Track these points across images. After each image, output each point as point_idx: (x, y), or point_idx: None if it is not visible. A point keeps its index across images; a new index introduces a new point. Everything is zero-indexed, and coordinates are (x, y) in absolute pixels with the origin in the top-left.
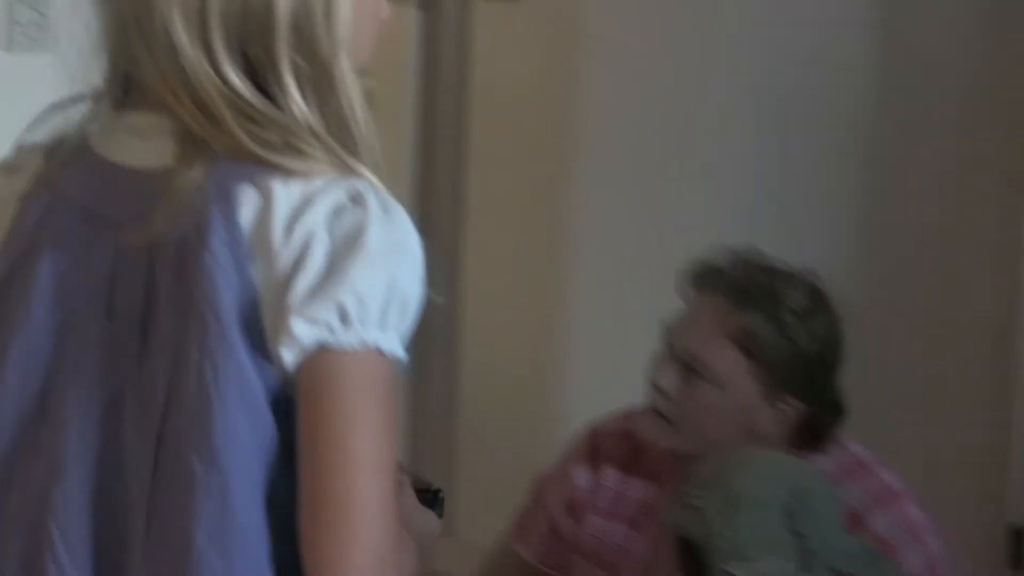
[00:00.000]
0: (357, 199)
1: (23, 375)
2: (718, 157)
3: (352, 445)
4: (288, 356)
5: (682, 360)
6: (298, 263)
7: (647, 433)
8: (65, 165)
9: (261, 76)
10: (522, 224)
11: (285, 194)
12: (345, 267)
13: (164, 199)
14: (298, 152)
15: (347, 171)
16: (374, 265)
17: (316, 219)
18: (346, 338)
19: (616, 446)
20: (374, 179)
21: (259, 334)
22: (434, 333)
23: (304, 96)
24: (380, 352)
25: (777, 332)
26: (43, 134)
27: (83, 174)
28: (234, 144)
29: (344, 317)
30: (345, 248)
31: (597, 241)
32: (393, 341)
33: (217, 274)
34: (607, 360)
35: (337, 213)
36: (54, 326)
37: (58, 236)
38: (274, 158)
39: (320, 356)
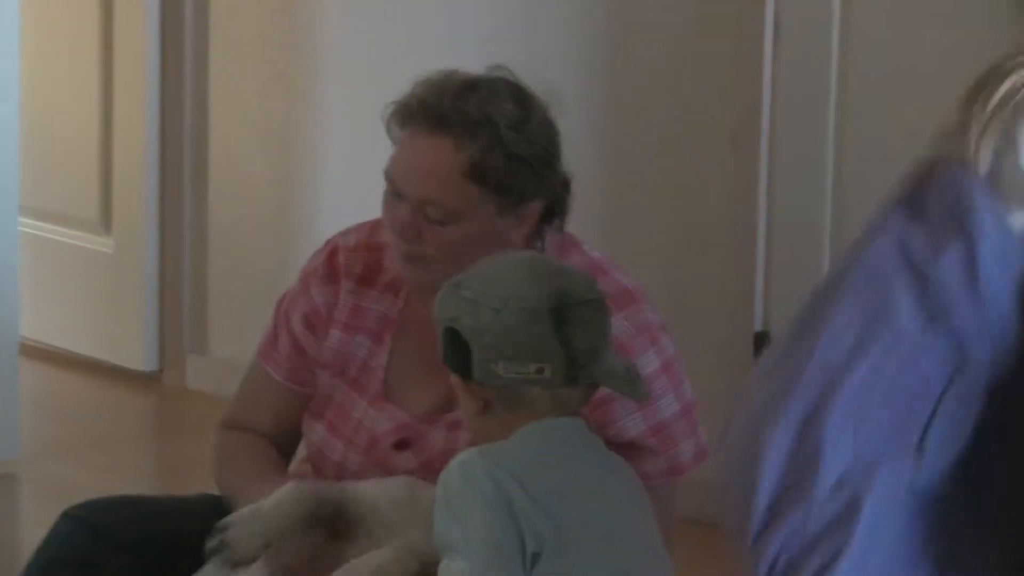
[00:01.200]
0: None
1: None
2: None
3: None
4: None
5: (420, 207)
6: None
7: (405, 273)
8: None
9: None
10: (264, 44)
11: None
12: None
13: None
14: None
15: None
16: None
17: None
18: None
19: (355, 260)
20: None
21: None
22: (183, 155)
23: None
24: None
25: (503, 154)
26: None
27: None
28: None
29: None
30: None
31: (340, 59)
32: None
33: None
34: (350, 177)
35: None
36: None
37: None
38: None
39: None
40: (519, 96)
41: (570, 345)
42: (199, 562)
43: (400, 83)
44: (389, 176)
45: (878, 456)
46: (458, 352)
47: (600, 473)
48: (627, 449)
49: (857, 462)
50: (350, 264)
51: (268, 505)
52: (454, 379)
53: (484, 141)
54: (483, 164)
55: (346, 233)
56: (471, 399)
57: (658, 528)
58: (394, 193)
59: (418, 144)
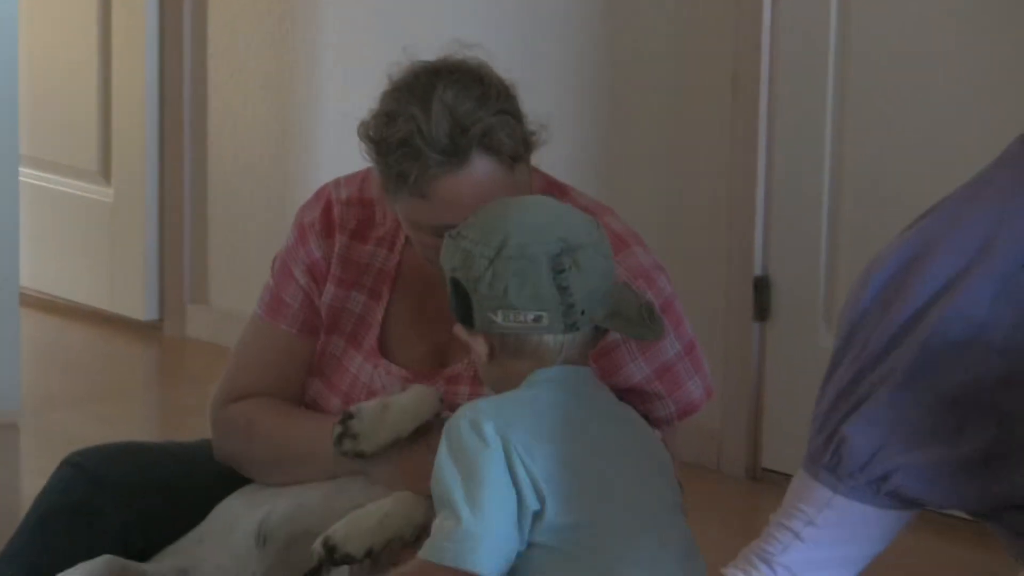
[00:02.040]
0: None
1: None
2: None
3: None
4: None
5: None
6: None
7: (440, 257)
8: None
9: None
10: (263, 4)
11: None
12: None
13: None
14: None
15: None
16: None
17: None
18: None
19: (349, 215)
20: None
21: None
22: (183, 105)
23: None
24: None
25: (515, 138)
26: None
27: None
28: None
29: None
30: None
31: (338, 7)
32: None
33: None
34: (348, 126)
35: None
36: None
37: None
38: None
39: None
40: (478, 75)
41: (568, 292)
42: (199, 508)
43: (396, 33)
44: (446, 224)
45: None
46: (460, 301)
47: (608, 425)
48: (635, 395)
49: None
50: (344, 218)
51: (400, 401)
52: (458, 328)
53: (503, 133)
54: (517, 148)
55: (337, 186)
56: (476, 347)
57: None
58: (434, 230)
59: (467, 182)
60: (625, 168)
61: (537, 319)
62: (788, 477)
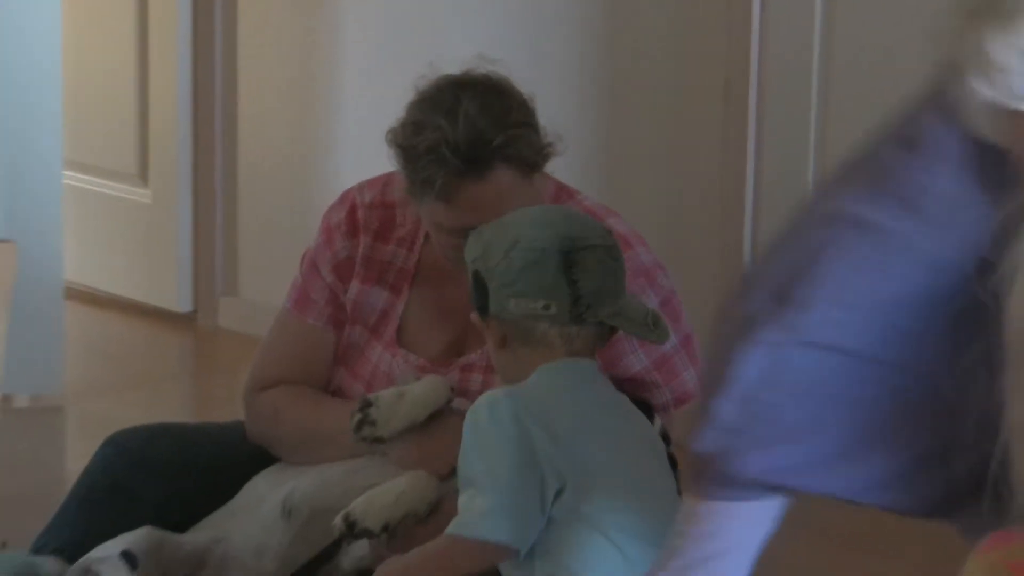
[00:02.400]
0: None
1: None
2: None
3: None
4: None
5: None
6: None
7: (457, 265)
8: None
9: None
10: (291, 2)
11: None
12: None
13: None
14: None
15: None
16: None
17: None
18: None
19: (372, 217)
20: None
21: None
22: (214, 111)
23: None
24: None
25: (532, 147)
26: None
27: None
28: None
29: None
30: None
31: (361, 17)
32: None
33: None
34: (368, 130)
35: None
36: None
37: None
38: None
39: None
40: (500, 89)
41: (576, 285)
42: (233, 485)
43: (414, 40)
44: (468, 227)
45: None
46: (479, 290)
47: (613, 414)
48: (633, 384)
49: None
50: (368, 220)
51: (415, 391)
52: (474, 316)
53: (522, 144)
54: (535, 158)
55: (361, 189)
56: (491, 334)
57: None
58: (454, 232)
59: (487, 188)
60: (624, 170)
61: (546, 307)
62: None
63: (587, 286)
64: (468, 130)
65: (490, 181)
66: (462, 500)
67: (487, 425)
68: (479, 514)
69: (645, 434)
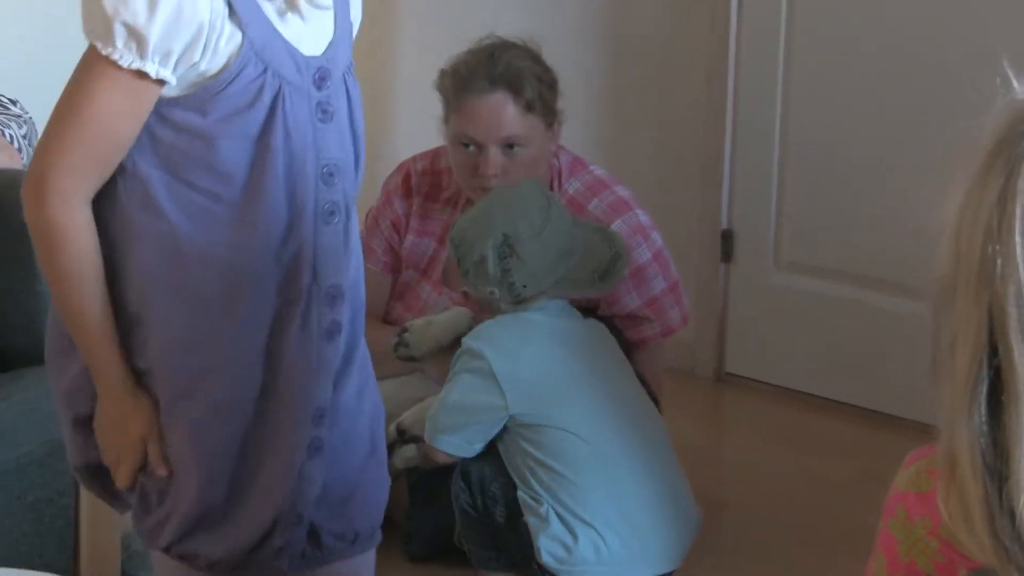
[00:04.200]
0: None
1: None
2: None
3: None
4: None
5: (508, 145)
6: None
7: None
8: None
9: None
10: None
11: None
12: None
13: None
14: None
15: None
16: None
17: None
18: None
19: (423, 181)
20: None
21: None
22: None
23: None
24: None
25: (539, 90)
26: None
27: None
28: None
29: None
30: None
31: (421, 26)
32: None
33: None
34: (416, 112)
35: None
36: None
37: None
38: None
39: None
40: (524, 47)
41: (509, 274)
42: None
43: (446, 31)
44: (468, 137)
45: None
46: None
47: (577, 339)
48: (629, 319)
49: None
50: (420, 184)
51: (441, 319)
52: (463, 290)
53: (522, 82)
54: (527, 97)
55: (414, 160)
56: (473, 304)
57: (649, 377)
58: (477, 146)
59: (486, 103)
60: (622, 143)
61: (491, 293)
62: (746, 380)
63: (520, 273)
64: (485, 59)
65: (489, 99)
66: (429, 412)
67: (459, 352)
68: (433, 428)
69: (612, 352)
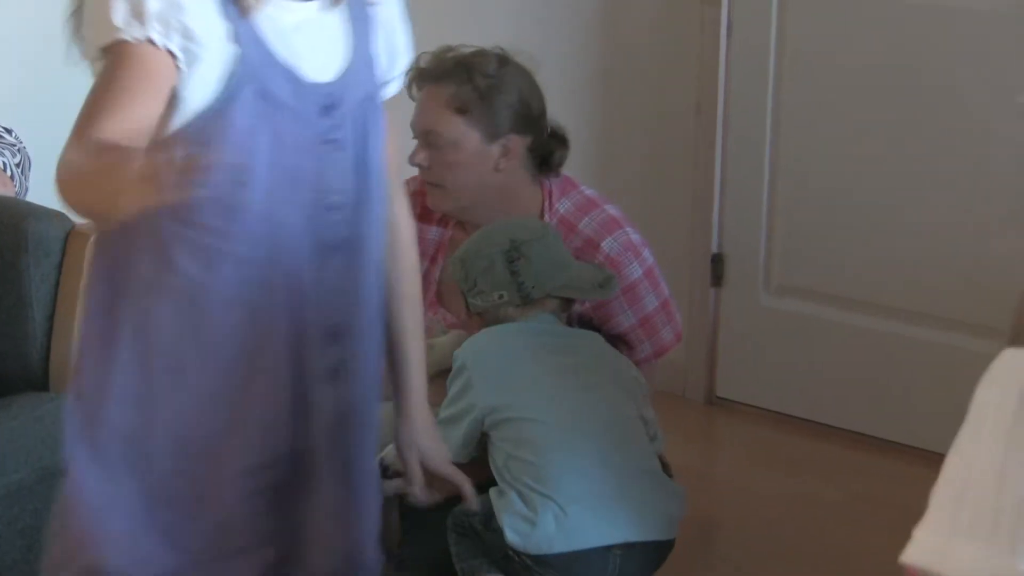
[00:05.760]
0: None
1: None
2: None
3: None
4: None
5: (425, 138)
6: None
7: (431, 203)
8: None
9: None
10: None
11: None
12: None
13: None
14: None
15: None
16: None
17: None
18: None
19: (415, 202)
20: None
21: None
22: None
23: None
24: None
25: (477, 93)
26: None
27: None
28: None
29: None
30: None
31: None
32: None
33: None
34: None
35: None
36: None
37: None
38: None
39: None
40: (499, 58)
41: (518, 275)
42: None
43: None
44: (414, 127)
45: None
46: (463, 297)
47: (554, 337)
48: (623, 340)
49: None
50: (412, 205)
51: (441, 343)
52: (465, 312)
53: (460, 82)
54: (462, 99)
55: (407, 181)
56: (475, 322)
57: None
58: (415, 138)
59: (423, 95)
60: (614, 169)
61: (500, 296)
62: (737, 404)
63: (528, 273)
64: (442, 54)
65: (427, 92)
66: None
67: (452, 367)
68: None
69: (602, 360)
